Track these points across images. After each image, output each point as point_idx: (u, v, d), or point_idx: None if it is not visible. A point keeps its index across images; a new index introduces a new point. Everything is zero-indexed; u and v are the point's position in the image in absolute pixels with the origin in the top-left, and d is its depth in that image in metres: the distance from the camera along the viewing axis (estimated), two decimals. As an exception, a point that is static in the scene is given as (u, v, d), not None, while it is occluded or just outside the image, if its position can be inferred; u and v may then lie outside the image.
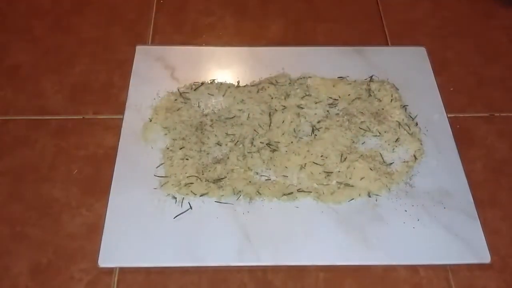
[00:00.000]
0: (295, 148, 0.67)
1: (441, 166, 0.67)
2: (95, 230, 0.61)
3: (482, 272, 0.59)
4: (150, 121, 0.70)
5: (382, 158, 0.67)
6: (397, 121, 0.70)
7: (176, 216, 0.62)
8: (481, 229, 0.62)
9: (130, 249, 0.59)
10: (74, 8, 0.86)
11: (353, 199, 0.64)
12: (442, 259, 0.60)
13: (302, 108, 0.71)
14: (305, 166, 0.66)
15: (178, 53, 0.78)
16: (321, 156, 0.66)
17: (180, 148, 0.67)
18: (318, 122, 0.70)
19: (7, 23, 0.84)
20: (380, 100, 0.72)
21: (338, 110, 0.71)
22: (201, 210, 0.62)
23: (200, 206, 0.63)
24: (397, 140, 0.69)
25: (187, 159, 0.66)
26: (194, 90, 0.72)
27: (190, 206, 0.63)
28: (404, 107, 0.72)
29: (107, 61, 0.78)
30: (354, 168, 0.65)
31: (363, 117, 0.70)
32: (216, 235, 0.60)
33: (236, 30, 0.84)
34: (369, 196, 0.64)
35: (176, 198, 0.63)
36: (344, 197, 0.64)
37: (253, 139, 0.68)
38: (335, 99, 0.72)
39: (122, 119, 0.70)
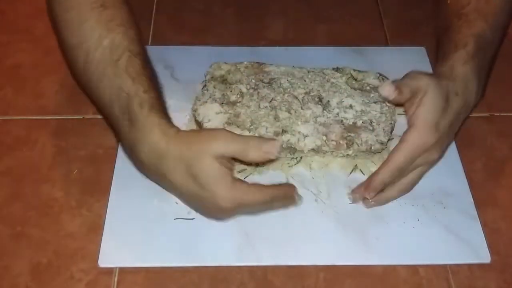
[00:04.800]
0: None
1: (441, 166, 0.67)
2: (95, 230, 0.61)
3: (482, 272, 0.59)
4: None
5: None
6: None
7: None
8: (481, 229, 0.62)
9: (130, 249, 0.59)
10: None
11: (353, 199, 0.64)
12: (442, 259, 0.60)
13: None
14: (305, 166, 0.66)
15: (178, 53, 0.78)
16: (321, 156, 0.67)
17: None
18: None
19: (7, 23, 0.84)
20: (380, 100, 0.72)
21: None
22: (201, 210, 0.62)
23: (200, 206, 0.63)
24: (397, 140, 0.69)
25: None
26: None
27: (190, 206, 0.63)
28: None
29: (107, 61, 0.78)
30: (354, 168, 0.65)
31: (363, 117, 0.70)
32: (216, 235, 0.60)
33: (236, 30, 0.84)
34: (369, 196, 0.64)
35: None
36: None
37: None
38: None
39: (122, 119, 0.70)
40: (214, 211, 0.55)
